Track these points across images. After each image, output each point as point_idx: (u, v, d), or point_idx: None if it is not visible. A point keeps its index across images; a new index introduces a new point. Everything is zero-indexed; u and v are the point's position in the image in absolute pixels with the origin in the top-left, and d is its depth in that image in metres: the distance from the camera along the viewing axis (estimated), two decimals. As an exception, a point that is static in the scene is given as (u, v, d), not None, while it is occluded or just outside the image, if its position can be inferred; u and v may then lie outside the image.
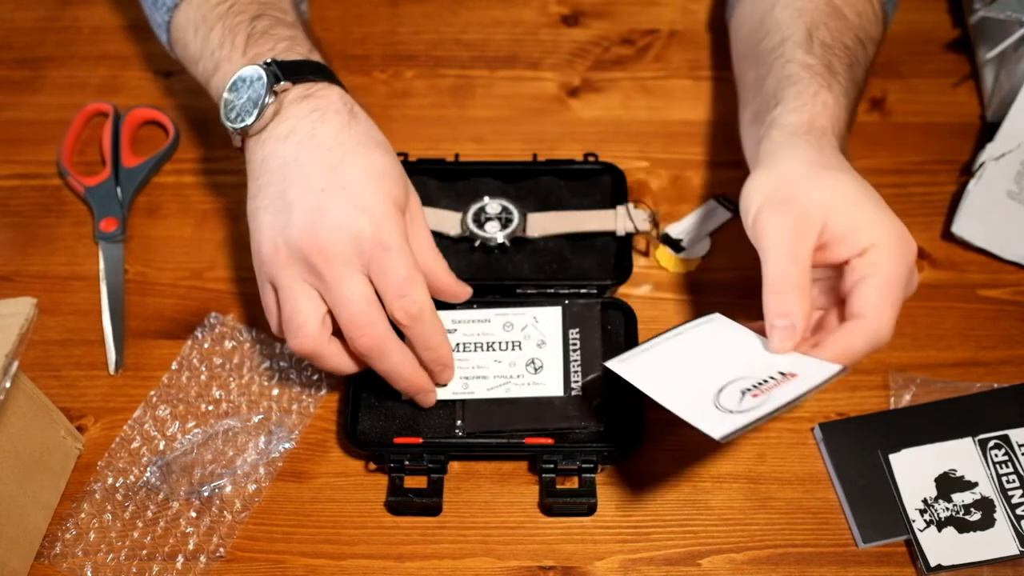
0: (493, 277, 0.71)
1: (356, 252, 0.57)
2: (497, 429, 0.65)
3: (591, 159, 0.77)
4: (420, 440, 0.64)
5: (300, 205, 0.58)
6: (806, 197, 0.58)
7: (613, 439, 0.64)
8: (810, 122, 0.62)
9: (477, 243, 0.72)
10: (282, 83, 0.61)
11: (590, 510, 0.64)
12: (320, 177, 0.59)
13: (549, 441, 0.64)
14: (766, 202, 0.58)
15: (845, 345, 0.56)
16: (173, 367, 0.70)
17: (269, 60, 0.62)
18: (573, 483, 0.64)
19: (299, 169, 0.59)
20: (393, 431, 0.65)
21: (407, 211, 0.61)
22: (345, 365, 0.62)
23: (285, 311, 0.60)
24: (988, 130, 0.79)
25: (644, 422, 0.64)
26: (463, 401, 0.66)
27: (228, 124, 0.62)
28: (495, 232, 0.72)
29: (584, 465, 0.63)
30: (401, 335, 0.61)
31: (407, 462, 0.63)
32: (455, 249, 0.73)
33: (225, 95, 0.62)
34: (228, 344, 0.71)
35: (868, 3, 0.70)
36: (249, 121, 0.61)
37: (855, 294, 0.57)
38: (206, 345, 0.71)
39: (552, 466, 0.63)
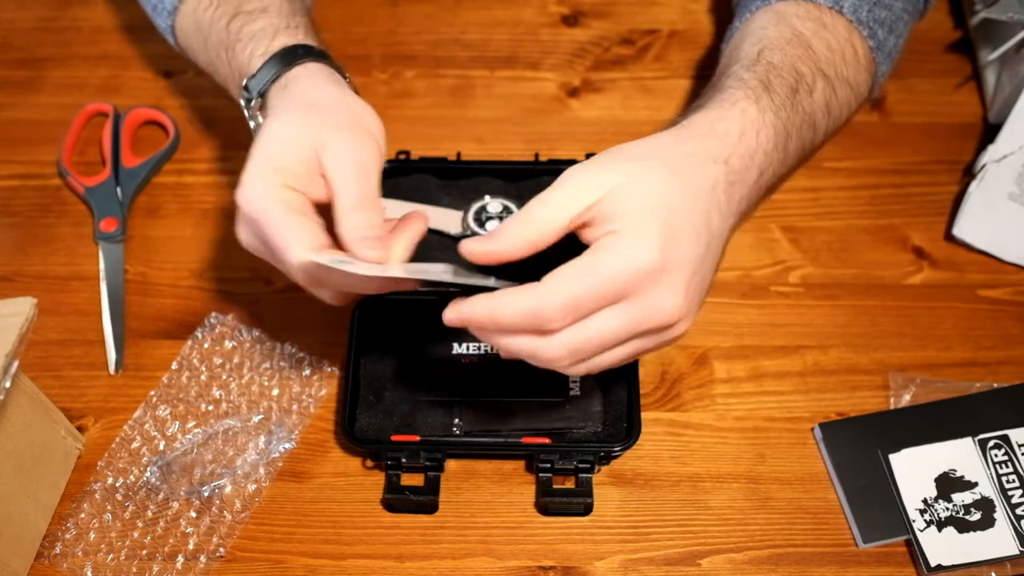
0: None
1: (249, 224, 0.58)
2: (495, 428, 0.65)
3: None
4: (417, 438, 0.64)
5: None
6: (611, 168, 0.53)
7: (610, 439, 0.64)
8: (710, 123, 0.56)
9: (477, 243, 0.72)
10: (256, 102, 0.62)
11: (586, 510, 0.64)
12: None
13: (546, 440, 0.64)
14: (589, 160, 0.54)
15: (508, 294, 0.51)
16: (173, 367, 0.70)
17: (244, 83, 0.63)
18: (570, 483, 0.64)
19: None
20: (391, 429, 0.65)
21: (325, 155, 0.58)
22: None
23: None
24: (989, 131, 0.79)
25: (640, 422, 0.64)
26: (461, 401, 0.66)
27: None
28: None
29: (581, 465, 0.63)
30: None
31: (404, 460, 0.64)
32: (455, 248, 0.73)
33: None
34: (228, 344, 0.71)
35: (849, 44, 0.65)
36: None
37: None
38: (206, 345, 0.71)
39: (549, 465, 0.63)
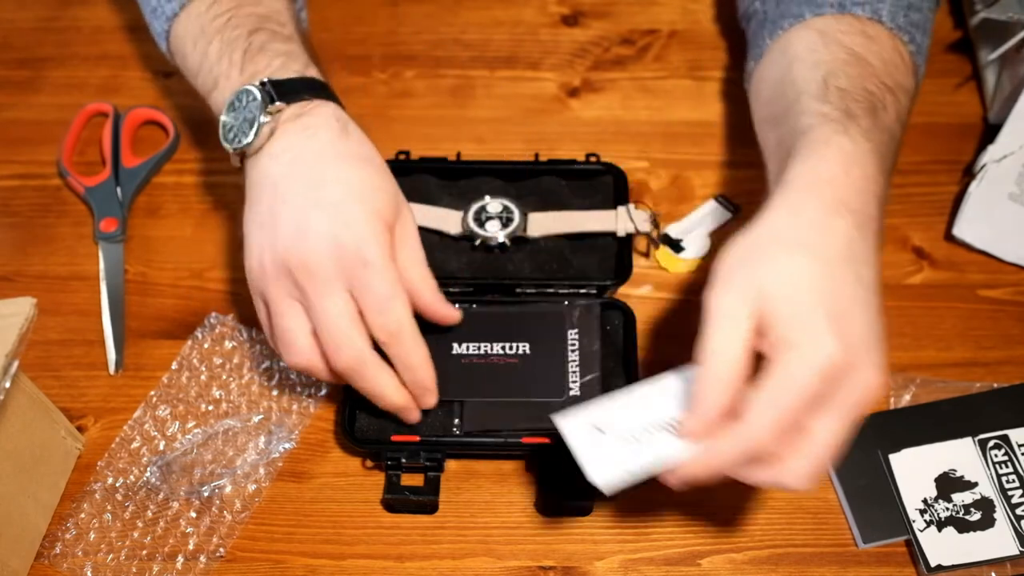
0: (493, 276, 0.72)
1: (338, 267, 0.58)
2: (495, 429, 0.65)
3: (593, 159, 0.77)
4: (417, 438, 0.64)
5: (285, 221, 0.59)
6: (749, 276, 0.53)
7: None
8: (814, 171, 0.56)
9: (478, 242, 0.72)
10: (276, 103, 0.61)
11: (586, 511, 0.64)
12: (306, 194, 0.59)
13: (546, 440, 0.64)
14: (720, 274, 0.54)
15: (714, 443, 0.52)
16: (173, 367, 0.70)
17: (264, 80, 0.62)
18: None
19: (287, 186, 0.60)
20: (391, 429, 0.65)
21: (397, 226, 0.61)
22: (339, 379, 0.62)
23: (275, 327, 0.60)
24: (989, 131, 0.79)
25: None
26: (462, 401, 0.66)
27: (225, 144, 0.63)
28: (496, 231, 0.72)
29: None
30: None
31: (404, 460, 0.64)
32: (455, 248, 0.73)
33: (223, 117, 0.63)
34: (228, 344, 0.71)
35: (896, 52, 0.66)
36: (245, 142, 0.61)
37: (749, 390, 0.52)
38: (206, 345, 0.71)
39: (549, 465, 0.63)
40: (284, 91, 0.62)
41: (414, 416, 0.63)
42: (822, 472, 0.53)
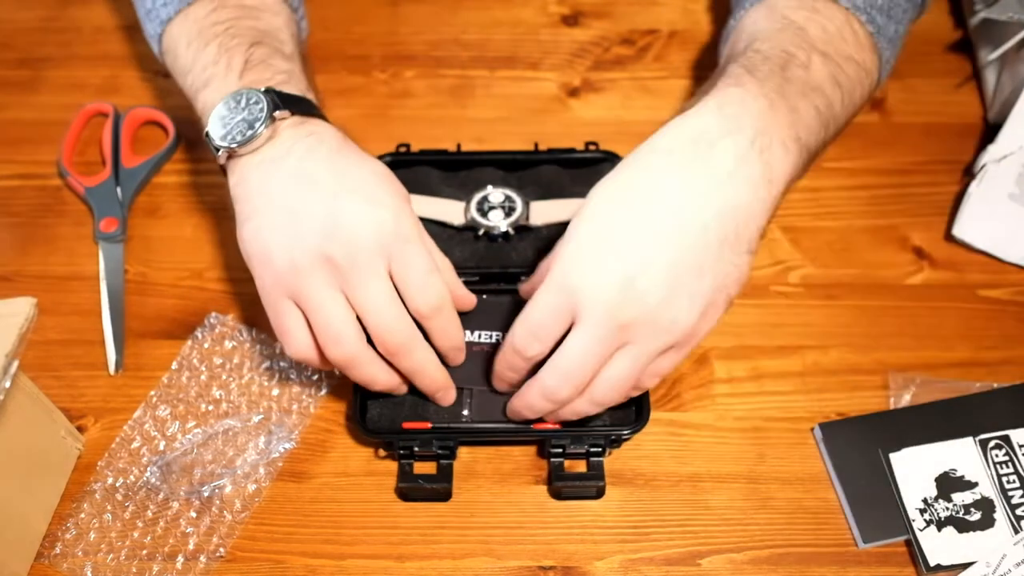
0: (497, 265, 0.72)
1: (380, 247, 0.58)
2: (505, 416, 0.65)
3: (592, 147, 0.77)
4: (429, 425, 0.65)
5: (313, 213, 0.59)
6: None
7: (619, 422, 0.65)
8: (685, 122, 0.59)
9: (481, 232, 0.73)
10: (281, 111, 0.61)
11: (599, 493, 0.64)
12: (329, 184, 0.60)
13: (557, 425, 0.64)
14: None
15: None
16: (173, 367, 0.70)
17: (266, 88, 0.62)
18: (581, 467, 0.64)
19: (305, 182, 0.60)
20: (402, 417, 0.66)
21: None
22: (380, 372, 0.62)
23: (319, 322, 0.59)
24: (989, 131, 0.79)
25: (649, 406, 0.64)
26: (471, 390, 0.66)
27: (217, 141, 0.62)
28: (498, 221, 0.73)
29: (592, 448, 0.64)
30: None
31: (416, 448, 0.64)
32: (459, 239, 0.73)
33: (218, 110, 0.63)
34: (228, 344, 0.71)
35: (847, 26, 0.66)
36: (239, 140, 0.61)
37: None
38: (206, 345, 0.71)
39: (561, 450, 0.64)
40: (287, 102, 0.62)
41: (451, 396, 0.65)
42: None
